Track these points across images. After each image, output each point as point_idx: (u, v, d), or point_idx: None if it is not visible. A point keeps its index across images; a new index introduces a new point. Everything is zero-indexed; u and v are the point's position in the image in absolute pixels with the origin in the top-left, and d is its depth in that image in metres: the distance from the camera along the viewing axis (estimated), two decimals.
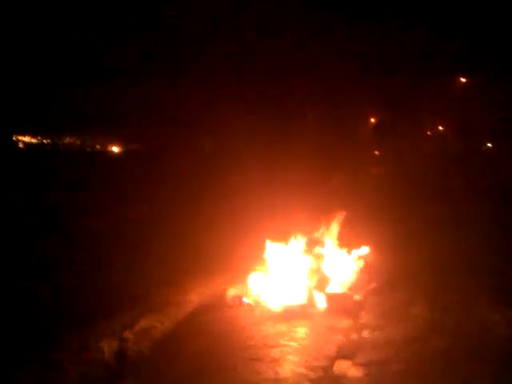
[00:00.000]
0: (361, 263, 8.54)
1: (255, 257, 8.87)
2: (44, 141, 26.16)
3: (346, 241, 8.79)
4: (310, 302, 7.47)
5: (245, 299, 7.68)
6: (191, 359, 5.75)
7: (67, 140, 27.42)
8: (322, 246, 8.52)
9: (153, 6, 18.39)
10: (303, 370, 5.40)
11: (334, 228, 8.78)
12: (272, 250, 8.24)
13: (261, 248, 8.87)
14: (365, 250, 8.79)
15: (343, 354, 5.72)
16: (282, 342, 6.18)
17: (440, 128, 39.81)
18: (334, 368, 5.39)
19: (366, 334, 6.24)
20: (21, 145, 24.87)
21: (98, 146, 29.12)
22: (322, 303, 7.45)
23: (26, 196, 13.44)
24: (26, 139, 25.46)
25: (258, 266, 8.30)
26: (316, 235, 8.66)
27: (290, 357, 5.73)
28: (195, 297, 7.81)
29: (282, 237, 8.50)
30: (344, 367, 5.37)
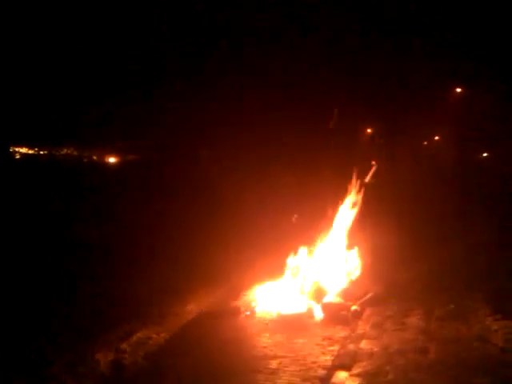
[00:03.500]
0: (358, 273, 8.56)
1: (253, 268, 8.89)
2: (41, 152, 26.18)
3: (343, 251, 8.80)
4: (308, 312, 7.48)
5: (243, 309, 7.68)
6: (188, 370, 5.74)
7: (64, 151, 27.44)
8: (319, 255, 8.55)
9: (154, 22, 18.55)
10: (301, 382, 5.40)
11: (332, 237, 8.83)
12: (270, 261, 8.28)
13: (259, 259, 8.91)
14: (361, 259, 8.81)
15: (340, 364, 5.72)
16: (280, 352, 6.18)
17: (436, 138, 39.97)
18: (332, 379, 5.39)
19: (363, 344, 6.23)
20: (18, 156, 24.88)
21: (94, 157, 29.12)
22: (319, 313, 7.46)
23: (24, 206, 13.43)
24: (23, 150, 25.46)
25: (256, 276, 8.32)
26: (313, 244, 8.70)
27: (288, 368, 5.73)
28: (193, 307, 7.81)
29: (281, 248, 8.54)
30: (341, 378, 5.37)
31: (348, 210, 9.02)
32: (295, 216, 10.55)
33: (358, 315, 7.34)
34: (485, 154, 38.16)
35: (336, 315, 7.30)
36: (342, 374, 5.45)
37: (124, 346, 6.16)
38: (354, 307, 7.48)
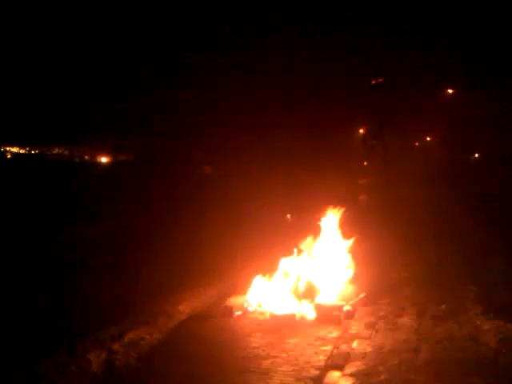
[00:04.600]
0: (350, 273, 8.57)
1: (246, 268, 8.88)
2: (32, 151, 26.03)
3: (336, 251, 8.81)
4: (301, 313, 7.47)
5: (235, 310, 7.66)
6: (180, 371, 5.72)
7: (56, 150, 27.29)
8: (312, 256, 8.55)
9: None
10: (293, 382, 5.39)
11: (325, 238, 8.84)
12: (263, 261, 8.27)
13: (252, 259, 8.89)
14: (354, 260, 8.82)
15: (333, 364, 5.72)
16: (273, 353, 6.17)
17: (428, 139, 40.16)
18: (325, 379, 5.39)
19: (355, 344, 6.24)
20: (9, 155, 24.71)
21: (86, 157, 28.98)
22: (311, 313, 7.46)
23: (19, 206, 13.35)
24: (15, 150, 25.30)
25: (249, 276, 8.30)
26: (305, 245, 8.69)
27: (281, 368, 5.72)
28: (186, 307, 7.78)
29: (274, 248, 8.53)
30: (334, 378, 5.37)
31: (342, 211, 9.04)
32: (288, 216, 10.57)
33: (350, 315, 7.34)
34: (476, 155, 38.41)
35: (329, 315, 7.30)
36: (334, 374, 5.46)
37: (116, 346, 6.13)
38: (346, 307, 7.48)
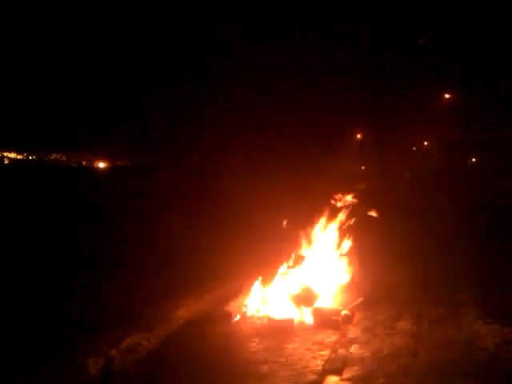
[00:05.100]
0: (348, 277, 8.57)
1: (244, 272, 8.87)
2: (30, 157, 26.04)
3: (334, 255, 8.81)
4: (299, 317, 7.46)
5: (234, 315, 7.64)
6: (178, 377, 5.70)
7: (53, 156, 27.30)
8: (310, 260, 8.55)
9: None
10: None
11: (322, 242, 8.84)
12: (262, 266, 8.26)
13: (250, 264, 8.87)
14: (352, 264, 8.82)
15: (331, 369, 5.71)
16: (271, 357, 6.15)
17: (425, 143, 40.23)
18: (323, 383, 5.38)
19: (353, 348, 6.24)
20: (6, 161, 24.71)
21: (84, 162, 29.00)
22: (309, 318, 7.45)
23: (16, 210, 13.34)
24: (12, 155, 25.30)
25: (247, 281, 8.29)
26: (303, 250, 8.70)
27: (279, 373, 5.70)
28: (184, 312, 7.76)
29: (271, 253, 8.53)
30: (332, 382, 5.37)
31: (339, 215, 9.05)
32: (285, 222, 10.57)
33: (348, 320, 7.33)
34: (473, 160, 38.49)
35: (326, 320, 7.29)
36: (332, 379, 5.45)
37: (113, 352, 6.10)
38: (344, 312, 7.47)
